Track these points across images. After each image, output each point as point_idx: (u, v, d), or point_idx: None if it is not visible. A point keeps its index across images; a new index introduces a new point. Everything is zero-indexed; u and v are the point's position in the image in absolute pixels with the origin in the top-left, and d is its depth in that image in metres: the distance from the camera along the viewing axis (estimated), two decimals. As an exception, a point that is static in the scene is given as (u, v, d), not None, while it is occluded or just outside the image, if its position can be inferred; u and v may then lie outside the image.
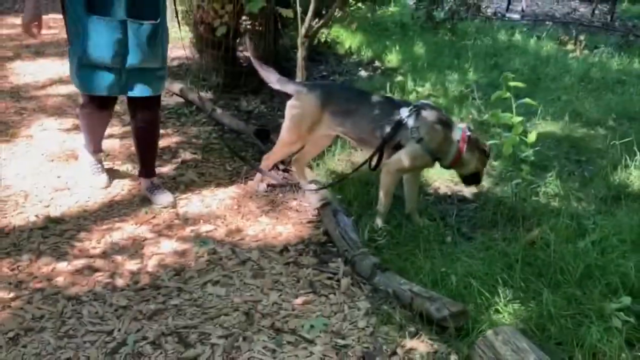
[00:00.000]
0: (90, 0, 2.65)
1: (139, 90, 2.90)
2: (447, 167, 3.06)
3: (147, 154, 3.21)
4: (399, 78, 5.55)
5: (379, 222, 2.99)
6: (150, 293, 2.42)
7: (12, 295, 2.36)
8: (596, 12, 10.34)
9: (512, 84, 2.96)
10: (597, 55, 6.87)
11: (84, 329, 2.19)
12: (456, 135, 2.94)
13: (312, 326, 2.27)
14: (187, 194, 3.30)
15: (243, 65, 5.46)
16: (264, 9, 5.20)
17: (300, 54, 3.98)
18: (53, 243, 2.74)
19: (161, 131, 4.18)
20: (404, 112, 2.91)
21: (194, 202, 3.21)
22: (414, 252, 2.71)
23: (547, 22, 9.12)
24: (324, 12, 7.47)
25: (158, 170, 3.46)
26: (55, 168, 3.47)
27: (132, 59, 2.78)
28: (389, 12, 8.93)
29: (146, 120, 3.09)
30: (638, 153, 3.63)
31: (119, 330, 2.20)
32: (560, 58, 6.57)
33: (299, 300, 2.44)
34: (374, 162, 2.99)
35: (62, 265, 2.57)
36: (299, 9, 4.00)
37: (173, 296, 2.42)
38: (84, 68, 2.78)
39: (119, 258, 2.65)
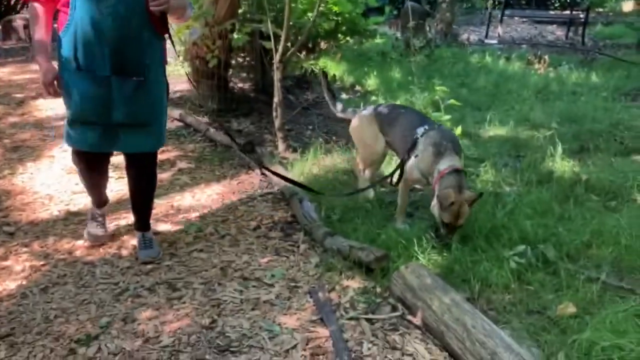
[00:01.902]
0: (77, 57, 2.67)
1: (128, 147, 2.88)
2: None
3: (140, 209, 3.15)
4: (374, 98, 6.27)
5: (397, 223, 3.38)
6: (148, 258, 3.10)
7: (42, 262, 3.05)
8: (570, 34, 11.05)
9: (438, 88, 3.64)
10: (560, 71, 7.55)
11: (96, 281, 2.87)
12: (442, 165, 3.13)
13: (273, 275, 2.93)
14: (181, 193, 4.00)
15: (234, 92, 6.23)
16: (250, 43, 6.00)
17: (276, 76, 4.71)
18: (72, 229, 3.44)
19: (162, 148, 4.95)
20: (419, 131, 3.28)
21: (186, 198, 3.91)
22: (359, 222, 3.37)
23: (522, 46, 9.84)
24: (310, 45, 8.33)
25: (160, 177, 4.17)
26: (74, 178, 4.18)
27: (117, 115, 2.74)
28: (375, 43, 9.73)
29: (140, 176, 3.04)
30: (560, 145, 4.28)
31: (123, 282, 2.87)
32: (523, 75, 7.27)
33: (265, 260, 3.10)
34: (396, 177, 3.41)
35: (80, 243, 3.26)
36: (272, 40, 4.74)
37: (166, 260, 3.09)
38: (73, 123, 2.80)
39: (124, 237, 3.33)
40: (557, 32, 11.62)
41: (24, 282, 2.87)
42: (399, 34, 9.69)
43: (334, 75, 7.61)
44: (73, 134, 2.82)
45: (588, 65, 7.83)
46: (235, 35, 5.47)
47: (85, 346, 2.38)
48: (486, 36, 10.81)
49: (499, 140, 4.92)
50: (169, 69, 7.48)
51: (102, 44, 2.63)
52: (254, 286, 2.85)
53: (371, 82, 7.13)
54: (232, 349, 2.37)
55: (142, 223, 3.16)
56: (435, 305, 2.40)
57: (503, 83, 6.86)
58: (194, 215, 3.64)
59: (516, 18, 12.66)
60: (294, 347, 2.38)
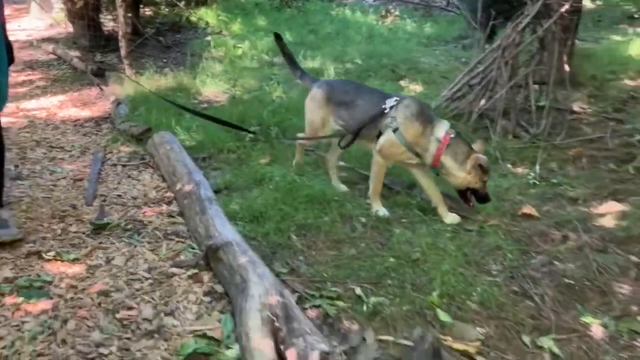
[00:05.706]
0: None
1: None
2: (433, 170, 3.03)
3: None
4: (231, 41, 7.40)
5: (374, 207, 3.10)
6: None
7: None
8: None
9: (220, 17, 4.81)
10: (402, 23, 8.86)
11: None
12: (438, 133, 2.95)
13: (73, 145, 4.12)
14: (29, 100, 5.12)
15: (105, 32, 7.29)
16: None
17: (120, 13, 5.80)
18: None
19: (29, 72, 6.04)
20: (389, 103, 3.06)
21: (31, 103, 5.04)
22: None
23: (393, 3, 11.12)
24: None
25: (16, 90, 5.27)
26: None
27: None
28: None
29: None
30: (333, 68, 5.58)
31: None
32: (367, 25, 8.53)
33: (74, 138, 4.29)
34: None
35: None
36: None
37: None
38: None
39: None
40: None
41: None
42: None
43: (207, 22, 8.69)
44: None
45: (430, 20, 9.17)
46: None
47: None
48: (366, -5, 12.07)
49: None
50: (55, 14, 8.45)
51: None
52: (57, 151, 4.04)
53: (236, 29, 8.24)
54: (21, 178, 3.56)
55: None
56: (161, 151, 3.64)
57: (344, 30, 8.10)
58: (32, 113, 4.78)
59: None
60: (64, 177, 3.59)
